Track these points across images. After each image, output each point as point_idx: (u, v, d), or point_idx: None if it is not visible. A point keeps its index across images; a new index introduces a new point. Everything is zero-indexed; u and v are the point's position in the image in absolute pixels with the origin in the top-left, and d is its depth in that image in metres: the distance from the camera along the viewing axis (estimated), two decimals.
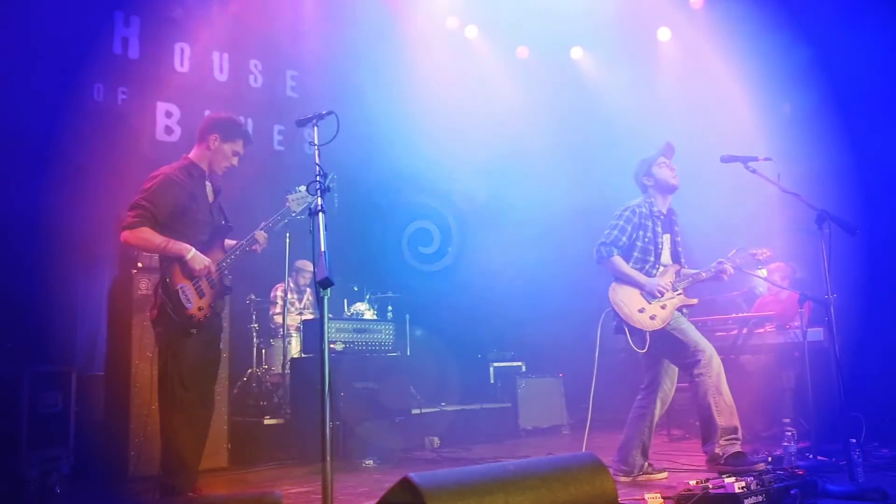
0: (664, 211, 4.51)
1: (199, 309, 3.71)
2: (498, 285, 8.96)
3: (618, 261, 4.35)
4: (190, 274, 3.69)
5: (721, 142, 6.90)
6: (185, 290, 3.67)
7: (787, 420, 4.83)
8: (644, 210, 4.44)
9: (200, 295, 3.73)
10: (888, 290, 6.30)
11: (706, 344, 4.21)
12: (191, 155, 3.92)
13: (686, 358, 4.21)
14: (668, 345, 4.27)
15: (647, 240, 4.40)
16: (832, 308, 4.06)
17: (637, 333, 4.27)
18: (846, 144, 6.73)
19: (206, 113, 7.06)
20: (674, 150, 4.50)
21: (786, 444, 4.22)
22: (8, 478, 4.35)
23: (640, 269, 4.37)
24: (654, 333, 4.25)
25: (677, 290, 4.34)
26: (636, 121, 7.94)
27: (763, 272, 5.77)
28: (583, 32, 8.50)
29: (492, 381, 7.68)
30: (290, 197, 3.95)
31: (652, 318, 4.25)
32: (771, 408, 5.94)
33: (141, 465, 4.65)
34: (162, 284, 3.67)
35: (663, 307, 4.28)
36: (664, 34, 8.50)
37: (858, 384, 4.84)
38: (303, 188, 4.07)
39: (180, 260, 3.67)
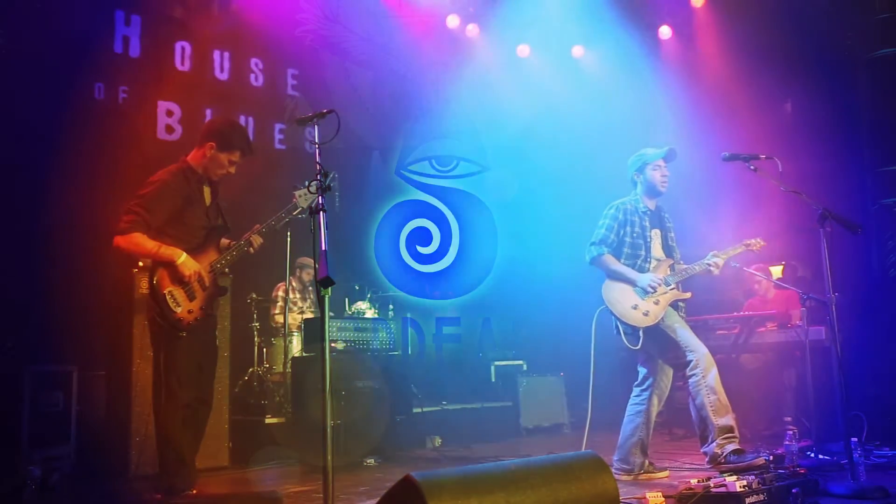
0: (651, 208, 4.51)
1: (189, 312, 3.71)
2: (498, 284, 8.96)
3: (608, 258, 4.36)
4: (179, 279, 3.69)
5: (722, 140, 6.89)
6: (174, 293, 3.67)
7: (789, 419, 4.82)
8: (630, 207, 4.46)
9: (191, 298, 3.73)
10: (890, 287, 6.28)
11: (698, 344, 4.20)
12: (189, 158, 3.92)
13: (678, 358, 4.21)
14: (660, 343, 4.27)
15: (635, 235, 4.41)
16: (833, 307, 4.05)
17: (630, 330, 4.27)
18: (846, 142, 6.73)
19: (208, 112, 7.11)
20: (675, 155, 4.49)
21: (787, 442, 4.21)
22: (9, 476, 4.36)
23: (632, 265, 4.37)
24: (647, 330, 4.24)
25: (670, 285, 4.34)
26: (636, 120, 7.93)
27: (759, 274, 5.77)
28: (584, 31, 8.49)
29: (493, 380, 7.67)
30: (297, 193, 3.83)
31: (645, 314, 4.25)
32: (772, 406, 5.94)
33: (142, 464, 4.66)
34: (150, 288, 3.68)
35: (656, 303, 4.27)
36: (665, 32, 8.49)
37: (860, 383, 4.84)
38: (313, 185, 4.01)
39: (170, 265, 3.67)
